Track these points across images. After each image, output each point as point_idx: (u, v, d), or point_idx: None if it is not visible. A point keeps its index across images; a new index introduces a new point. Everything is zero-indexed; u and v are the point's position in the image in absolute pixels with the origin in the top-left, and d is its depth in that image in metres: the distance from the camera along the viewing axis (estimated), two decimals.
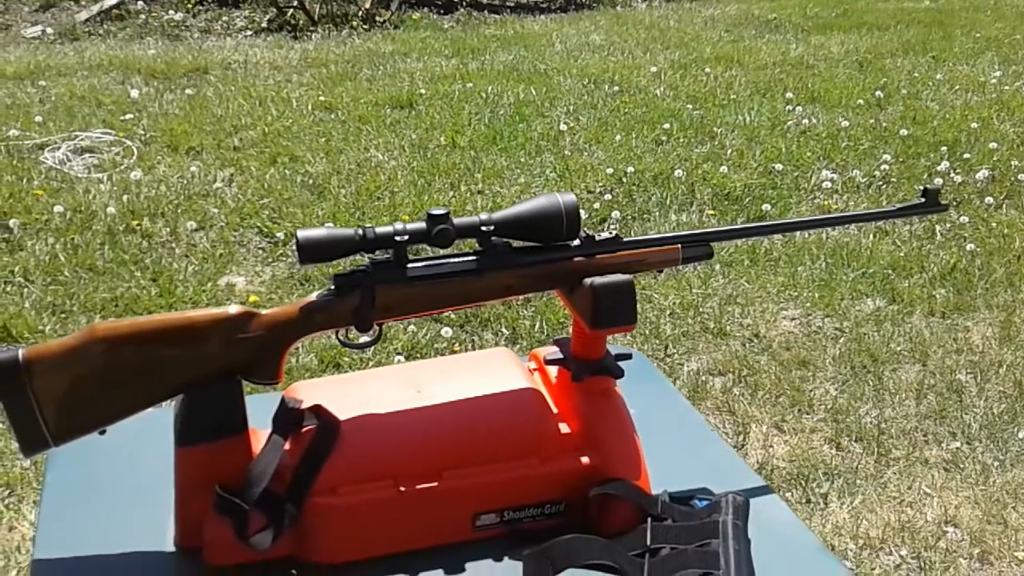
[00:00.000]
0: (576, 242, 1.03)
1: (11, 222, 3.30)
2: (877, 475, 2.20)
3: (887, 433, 2.34)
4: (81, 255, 3.14)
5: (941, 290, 3.07)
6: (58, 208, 3.42)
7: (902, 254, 3.29)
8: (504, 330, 2.79)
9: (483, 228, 0.99)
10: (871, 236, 3.41)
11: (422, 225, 0.97)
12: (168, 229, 3.36)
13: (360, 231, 0.96)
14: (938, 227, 3.50)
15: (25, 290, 2.94)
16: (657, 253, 1.05)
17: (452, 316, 2.81)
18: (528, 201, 1.00)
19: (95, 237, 3.26)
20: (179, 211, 3.50)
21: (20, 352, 0.92)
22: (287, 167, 3.97)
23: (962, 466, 2.24)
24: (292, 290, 3.00)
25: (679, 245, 1.06)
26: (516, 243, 1.03)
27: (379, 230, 0.97)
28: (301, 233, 0.95)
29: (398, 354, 2.62)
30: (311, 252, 0.95)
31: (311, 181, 3.82)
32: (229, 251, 3.24)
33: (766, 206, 3.66)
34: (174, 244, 3.28)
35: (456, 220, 0.98)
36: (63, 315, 2.80)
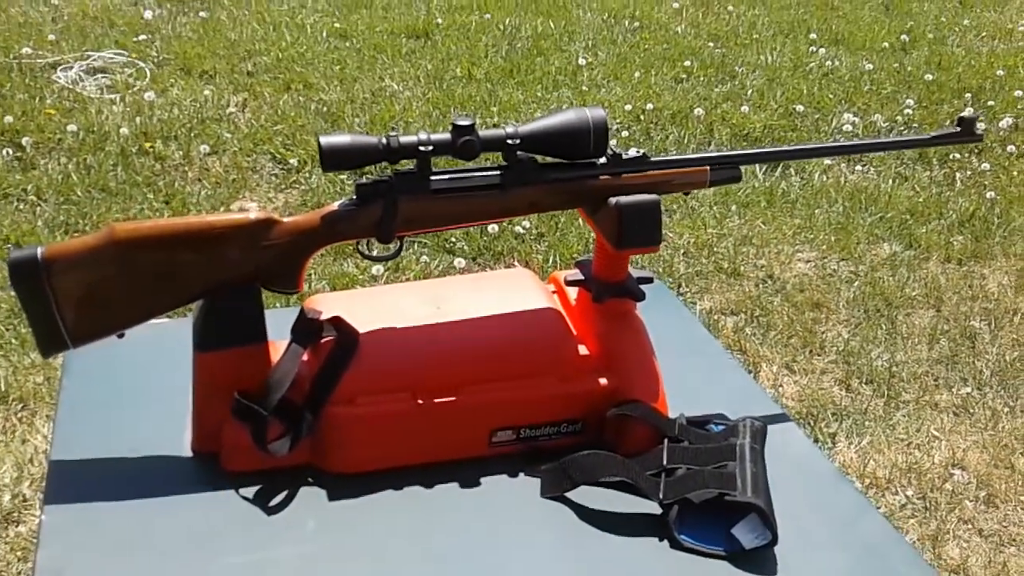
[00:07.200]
0: (603, 160, 1.01)
1: (24, 140, 3.27)
2: (886, 417, 2.20)
3: (898, 376, 2.34)
4: (94, 175, 3.11)
5: (959, 237, 3.04)
6: (71, 128, 3.39)
7: (921, 200, 3.25)
8: (516, 264, 2.78)
9: (509, 141, 0.97)
10: (890, 181, 3.36)
11: (447, 136, 0.95)
12: (181, 152, 3.33)
13: (384, 139, 0.94)
14: (958, 174, 3.45)
15: (38, 208, 2.92)
16: (685, 175, 1.03)
17: (465, 248, 2.80)
18: (556, 114, 0.98)
19: (108, 158, 3.24)
20: (192, 135, 3.46)
21: (39, 250, 0.92)
22: (301, 94, 3.92)
23: (972, 411, 2.24)
24: None
25: (708, 167, 1.04)
26: (542, 159, 1.01)
27: (403, 139, 0.95)
28: (324, 139, 0.93)
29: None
30: (334, 159, 0.94)
31: (325, 109, 3.78)
32: (242, 176, 3.22)
33: None
34: (187, 168, 3.25)
35: (482, 132, 0.96)
36: (76, 234, 2.79)
